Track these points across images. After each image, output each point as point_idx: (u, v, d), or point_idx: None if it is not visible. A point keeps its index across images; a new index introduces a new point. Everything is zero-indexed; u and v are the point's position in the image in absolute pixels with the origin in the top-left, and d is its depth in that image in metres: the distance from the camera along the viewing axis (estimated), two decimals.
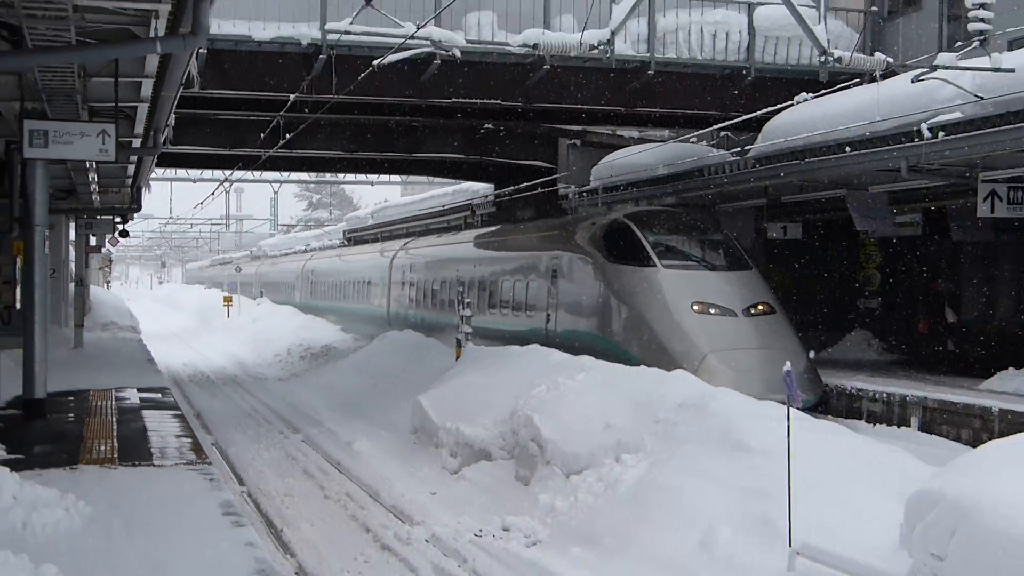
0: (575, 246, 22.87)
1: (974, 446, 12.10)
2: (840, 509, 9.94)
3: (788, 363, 9.96)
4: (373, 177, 53.04)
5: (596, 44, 18.89)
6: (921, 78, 18.26)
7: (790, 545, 9.30)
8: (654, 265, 20.48)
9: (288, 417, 23.66)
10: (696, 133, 25.28)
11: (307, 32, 21.13)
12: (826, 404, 19.76)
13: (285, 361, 37.58)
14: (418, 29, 17.52)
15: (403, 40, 18.14)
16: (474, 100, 23.36)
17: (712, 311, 19.54)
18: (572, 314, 22.27)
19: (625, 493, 12.02)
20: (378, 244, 44.47)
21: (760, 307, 20.13)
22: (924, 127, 18.65)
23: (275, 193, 79.15)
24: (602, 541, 11.32)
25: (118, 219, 34.76)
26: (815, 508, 9.61)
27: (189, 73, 15.35)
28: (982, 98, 17.81)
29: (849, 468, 10.80)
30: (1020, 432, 9.68)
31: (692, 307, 19.54)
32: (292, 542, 12.78)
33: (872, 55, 20.59)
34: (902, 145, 19.18)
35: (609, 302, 21.03)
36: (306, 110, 23.11)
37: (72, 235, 35.19)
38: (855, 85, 20.27)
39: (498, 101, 23.57)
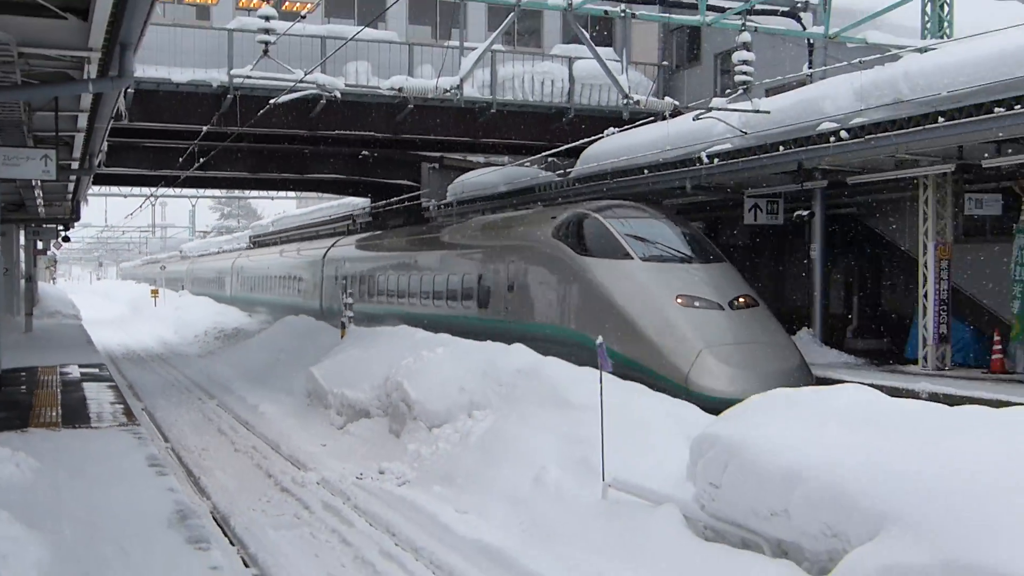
0: (539, 240, 18.17)
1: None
2: (642, 450, 10.07)
3: (600, 338, 10.02)
4: (273, 193, 52.13)
5: (449, 88, 18.79)
6: (700, 117, 18.64)
7: (603, 479, 9.39)
8: (630, 257, 16.17)
9: (205, 386, 23.11)
10: (529, 159, 25.42)
11: (216, 76, 20.86)
12: None
13: (203, 341, 36.68)
14: (306, 75, 17.27)
15: (294, 83, 17.85)
16: (353, 132, 23.19)
17: (697, 304, 15.29)
18: (537, 308, 17.67)
19: (476, 442, 12.02)
20: (311, 241, 38.61)
21: (743, 300, 15.92)
22: (703, 155, 19.07)
23: (193, 206, 77.08)
24: (457, 480, 11.30)
25: (61, 227, 33.89)
26: (623, 450, 9.72)
27: (118, 108, 14.86)
28: (746, 133, 18.25)
29: (648, 419, 10.95)
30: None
31: (676, 300, 15.24)
32: (208, 487, 12.48)
33: (663, 99, 20.94)
34: (687, 169, 19.59)
35: (581, 296, 16.45)
36: (217, 139, 22.67)
37: (22, 240, 34.24)
38: (651, 122, 20.61)
39: (372, 133, 23.43)
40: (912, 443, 6.79)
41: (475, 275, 20.17)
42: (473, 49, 19.24)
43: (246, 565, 9.05)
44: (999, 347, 16.72)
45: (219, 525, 10.44)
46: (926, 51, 16.78)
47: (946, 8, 19.45)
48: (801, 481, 7.08)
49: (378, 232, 31.33)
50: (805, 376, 15.02)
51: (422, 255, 23.87)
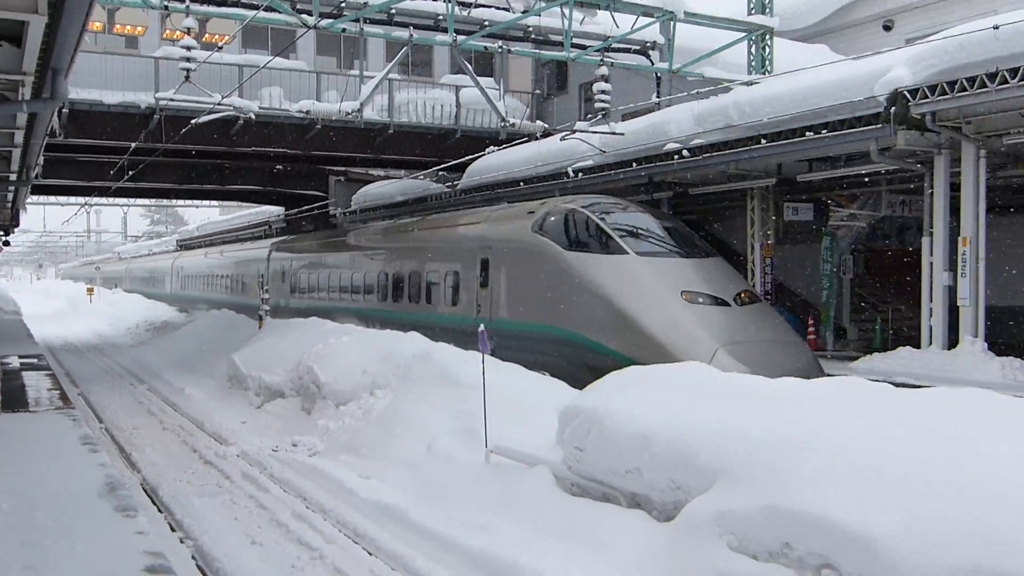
0: (517, 236, 14.83)
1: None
2: (519, 421, 10.05)
3: (481, 326, 10.00)
4: (197, 202, 50.72)
5: (351, 111, 18.58)
6: (567, 138, 18.84)
7: (486, 446, 9.40)
8: (625, 252, 13.18)
9: (136, 373, 22.31)
10: (422, 173, 25.30)
11: (144, 98, 20.22)
12: None
13: (134, 333, 35.38)
14: (224, 98, 16.87)
15: (214, 106, 17.41)
16: (267, 148, 22.71)
17: (702, 300, 12.45)
18: (518, 307, 14.49)
19: (377, 417, 11.90)
20: (254, 242, 34.22)
21: (745, 295, 13.14)
22: (569, 170, 19.26)
23: (125, 213, 74.38)
24: (361, 450, 11.17)
25: (2, 232, 32.22)
26: (503, 421, 9.70)
27: (52, 126, 14.23)
28: (605, 151, 18.50)
29: (524, 394, 10.93)
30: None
31: (681, 297, 12.42)
32: (139, 462, 12.04)
33: (536, 122, 21.08)
34: (556, 181, 19.76)
35: (572, 293, 13.26)
36: (146, 154, 21.96)
37: None
38: (525, 142, 20.72)
39: (284, 150, 22.97)
40: (741, 410, 6.98)
41: (445, 273, 16.83)
42: (372, 78, 19.06)
43: (172, 530, 8.79)
44: (812, 329, 17.35)
45: (148, 495, 10.10)
46: (751, 84, 17.29)
47: (767, 49, 20.07)
48: (650, 444, 7.20)
49: (329, 231, 27.68)
50: (818, 374, 11.96)
51: (381, 253, 20.27)
